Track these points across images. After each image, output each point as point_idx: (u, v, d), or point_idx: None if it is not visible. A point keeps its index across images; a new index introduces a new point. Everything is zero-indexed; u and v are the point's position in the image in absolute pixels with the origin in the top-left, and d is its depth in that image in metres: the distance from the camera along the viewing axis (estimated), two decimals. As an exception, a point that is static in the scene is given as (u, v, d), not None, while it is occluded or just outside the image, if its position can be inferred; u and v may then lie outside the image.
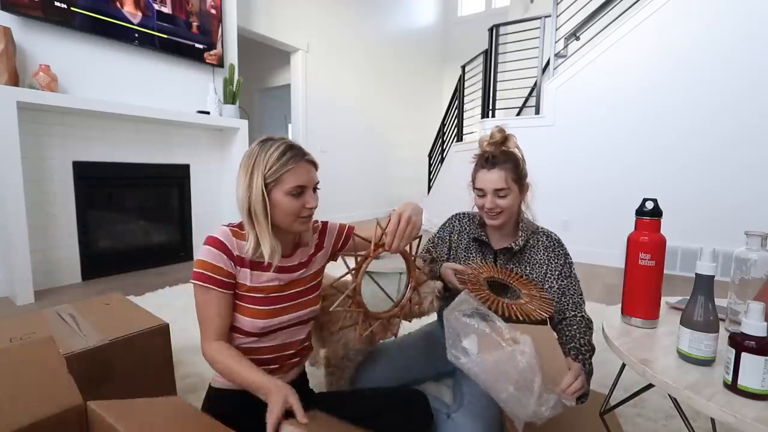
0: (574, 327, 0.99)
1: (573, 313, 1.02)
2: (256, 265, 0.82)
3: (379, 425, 0.81)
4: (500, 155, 1.03)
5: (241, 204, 0.80)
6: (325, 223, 0.98)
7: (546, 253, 1.07)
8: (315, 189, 0.84)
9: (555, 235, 1.12)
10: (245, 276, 0.81)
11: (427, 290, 0.97)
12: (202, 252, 0.79)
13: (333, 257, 1.00)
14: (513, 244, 1.06)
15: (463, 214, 1.21)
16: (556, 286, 1.04)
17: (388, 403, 0.87)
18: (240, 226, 0.83)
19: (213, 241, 0.79)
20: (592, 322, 1.03)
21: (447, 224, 1.22)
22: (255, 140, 0.84)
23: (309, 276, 0.92)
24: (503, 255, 1.08)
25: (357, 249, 0.94)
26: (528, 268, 1.06)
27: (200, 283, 0.77)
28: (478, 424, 0.93)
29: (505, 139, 1.07)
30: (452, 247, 1.16)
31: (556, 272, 1.05)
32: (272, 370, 0.85)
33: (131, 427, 0.59)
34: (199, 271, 0.78)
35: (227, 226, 0.83)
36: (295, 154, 0.79)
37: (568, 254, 1.08)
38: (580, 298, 1.05)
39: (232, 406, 0.81)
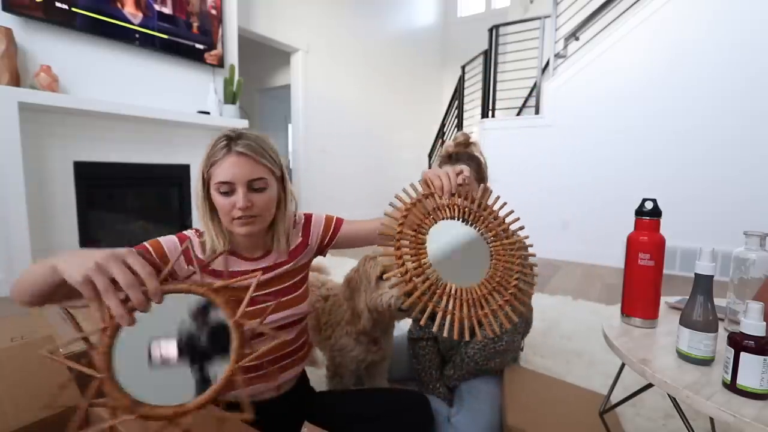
0: (479, 341, 1.06)
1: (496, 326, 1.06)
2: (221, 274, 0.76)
3: (379, 427, 0.81)
4: (464, 155, 1.07)
5: (192, 196, 0.78)
6: (308, 217, 0.89)
7: None
8: (255, 188, 0.72)
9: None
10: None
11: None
12: (164, 237, 0.74)
13: (321, 252, 0.91)
14: None
15: None
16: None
17: (388, 405, 0.86)
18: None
19: (180, 235, 0.76)
20: (504, 349, 1.07)
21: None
22: None
23: (291, 272, 0.83)
24: None
25: (350, 241, 0.89)
26: None
27: (136, 248, 0.67)
28: (479, 427, 0.93)
29: (469, 142, 1.11)
30: None
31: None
32: (262, 375, 0.79)
33: (131, 426, 0.59)
34: (147, 245, 0.71)
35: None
36: (225, 145, 0.70)
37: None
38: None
39: None
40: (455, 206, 0.67)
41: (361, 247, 0.94)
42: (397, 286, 0.59)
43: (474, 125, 4.58)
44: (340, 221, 0.91)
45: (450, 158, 1.08)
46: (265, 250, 0.82)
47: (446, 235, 0.65)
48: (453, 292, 0.60)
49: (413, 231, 0.63)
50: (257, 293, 0.78)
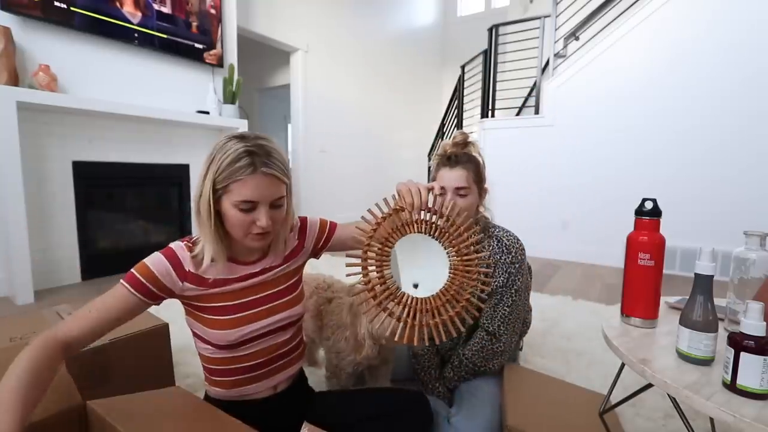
0: (476, 342, 1.04)
1: (489, 327, 1.05)
2: (221, 282, 0.75)
3: (379, 427, 0.81)
4: (463, 155, 1.05)
5: (192, 199, 0.73)
6: (304, 220, 0.89)
7: (494, 260, 1.06)
8: (275, 205, 0.72)
9: (509, 240, 1.08)
10: (200, 290, 0.74)
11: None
12: (151, 258, 0.71)
13: (315, 255, 0.92)
14: None
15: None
16: (488, 297, 1.05)
17: (388, 405, 0.86)
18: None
19: (167, 252, 0.72)
20: (495, 342, 1.05)
21: None
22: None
23: (284, 275, 0.83)
24: None
25: (343, 245, 0.91)
26: None
27: (128, 286, 0.68)
28: (478, 427, 0.93)
29: (467, 142, 1.09)
30: None
31: (500, 280, 1.05)
32: (259, 376, 0.80)
33: (131, 426, 0.59)
34: (136, 275, 0.69)
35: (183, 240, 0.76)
36: (249, 163, 0.67)
37: (520, 262, 1.06)
38: (510, 317, 1.05)
39: None
40: (422, 222, 0.71)
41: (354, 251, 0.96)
42: (359, 293, 0.66)
43: (474, 125, 4.57)
44: (334, 225, 0.92)
45: (449, 159, 1.05)
46: (262, 253, 0.81)
47: (421, 249, 0.72)
48: (408, 301, 0.66)
49: (380, 244, 0.69)
50: (253, 296, 0.78)
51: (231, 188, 0.68)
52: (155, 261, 0.71)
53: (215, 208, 0.70)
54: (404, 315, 0.65)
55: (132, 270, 0.70)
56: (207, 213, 0.70)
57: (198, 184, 0.71)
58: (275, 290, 0.81)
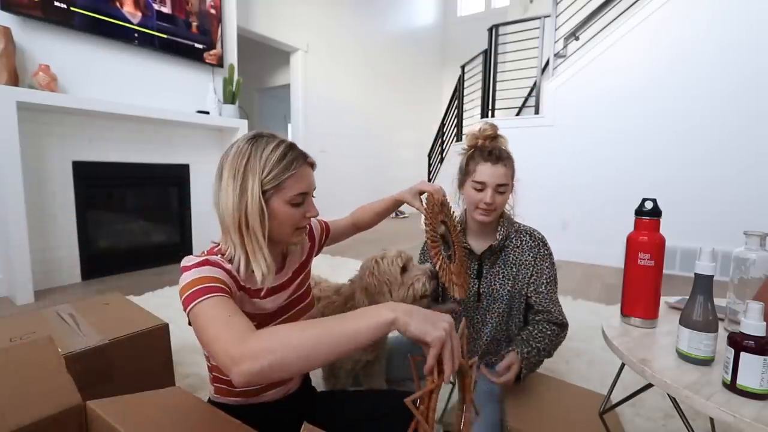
0: (543, 331, 1.01)
1: (560, 319, 1.04)
2: (254, 292, 0.72)
3: (378, 427, 0.81)
4: (504, 151, 1.02)
5: (229, 215, 0.65)
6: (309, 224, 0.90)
7: (532, 254, 1.06)
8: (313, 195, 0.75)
9: (538, 233, 1.09)
10: (248, 305, 0.70)
11: (418, 272, 0.97)
12: (192, 272, 0.61)
13: (317, 254, 0.94)
14: (493, 242, 1.05)
15: None
16: (545, 291, 1.04)
17: (388, 406, 0.86)
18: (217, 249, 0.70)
19: (207, 262, 0.63)
20: (564, 331, 1.05)
21: (427, 248, 1.20)
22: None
23: (300, 281, 0.84)
24: (487, 258, 1.07)
25: (334, 239, 0.99)
26: (514, 269, 1.05)
27: (204, 297, 0.57)
28: (478, 427, 0.93)
29: (497, 135, 1.06)
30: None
31: (544, 277, 1.05)
32: (275, 384, 0.78)
33: (131, 426, 0.59)
34: (197, 287, 0.58)
35: (211, 251, 0.70)
36: (297, 155, 0.69)
37: (552, 254, 1.08)
38: (560, 305, 1.07)
39: None
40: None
41: (339, 242, 1.03)
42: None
43: (474, 125, 4.58)
44: (328, 223, 0.96)
45: (490, 154, 1.00)
46: (283, 262, 0.80)
47: None
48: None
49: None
50: (277, 313, 0.76)
51: (284, 185, 0.67)
52: (201, 269, 0.61)
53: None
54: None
55: (188, 292, 0.58)
56: (260, 221, 0.66)
57: (234, 197, 0.65)
58: (298, 293, 0.82)
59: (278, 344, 0.48)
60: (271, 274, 0.68)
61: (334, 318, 0.52)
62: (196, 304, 0.57)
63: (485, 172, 0.99)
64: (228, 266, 0.65)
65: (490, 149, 1.01)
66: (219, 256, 0.67)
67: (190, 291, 0.58)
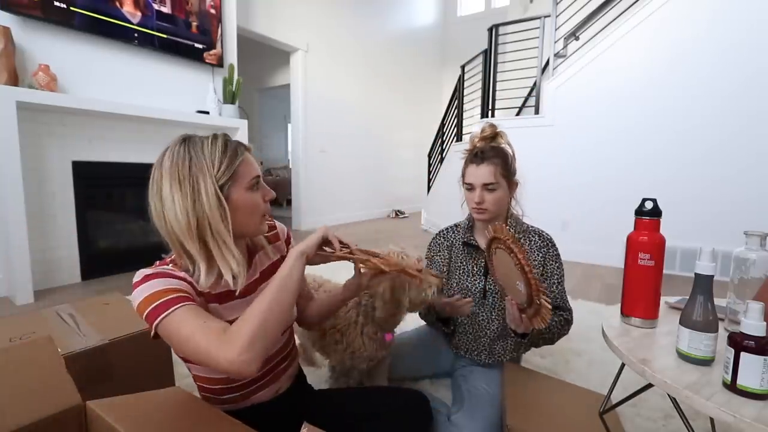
0: (554, 319, 1.05)
1: (568, 316, 1.08)
2: (225, 296, 0.69)
3: (379, 425, 0.81)
4: (489, 150, 1.05)
5: (181, 226, 0.62)
6: (273, 224, 0.87)
7: (541, 254, 1.07)
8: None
9: (546, 234, 1.12)
10: (213, 312, 0.66)
11: (435, 281, 0.97)
12: (145, 286, 0.61)
13: None
14: None
15: (447, 228, 1.22)
16: (556, 291, 1.07)
17: (388, 404, 0.86)
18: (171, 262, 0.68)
19: (156, 275, 0.62)
20: (568, 326, 1.09)
21: (434, 245, 1.22)
22: (170, 147, 0.68)
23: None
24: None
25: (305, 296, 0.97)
26: None
27: (168, 311, 0.58)
28: (478, 427, 0.93)
29: (496, 134, 1.08)
30: (452, 259, 1.17)
31: (556, 277, 1.07)
32: (260, 386, 0.78)
33: (131, 426, 0.59)
34: (157, 302, 0.59)
35: (163, 263, 0.68)
36: (237, 143, 0.69)
37: (560, 254, 1.10)
38: (569, 304, 1.10)
39: None
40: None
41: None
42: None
43: (474, 125, 4.58)
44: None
45: (476, 156, 1.04)
46: (250, 258, 0.78)
47: None
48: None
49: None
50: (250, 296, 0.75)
51: (239, 172, 0.67)
52: (154, 284, 0.61)
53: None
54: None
55: (148, 309, 0.59)
56: (221, 218, 0.64)
57: (186, 206, 0.62)
58: None
59: (252, 321, 0.58)
60: (242, 269, 0.67)
61: (270, 280, 0.64)
62: (162, 319, 0.58)
63: (471, 173, 1.05)
64: (180, 273, 0.65)
65: (476, 151, 1.05)
66: (171, 265, 0.67)
67: (150, 307, 0.59)
